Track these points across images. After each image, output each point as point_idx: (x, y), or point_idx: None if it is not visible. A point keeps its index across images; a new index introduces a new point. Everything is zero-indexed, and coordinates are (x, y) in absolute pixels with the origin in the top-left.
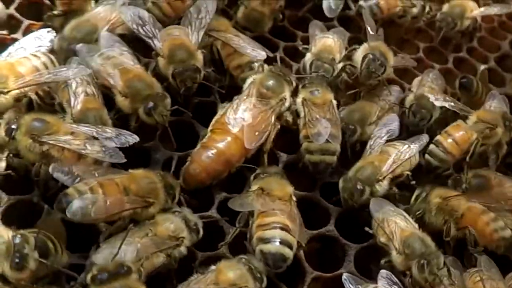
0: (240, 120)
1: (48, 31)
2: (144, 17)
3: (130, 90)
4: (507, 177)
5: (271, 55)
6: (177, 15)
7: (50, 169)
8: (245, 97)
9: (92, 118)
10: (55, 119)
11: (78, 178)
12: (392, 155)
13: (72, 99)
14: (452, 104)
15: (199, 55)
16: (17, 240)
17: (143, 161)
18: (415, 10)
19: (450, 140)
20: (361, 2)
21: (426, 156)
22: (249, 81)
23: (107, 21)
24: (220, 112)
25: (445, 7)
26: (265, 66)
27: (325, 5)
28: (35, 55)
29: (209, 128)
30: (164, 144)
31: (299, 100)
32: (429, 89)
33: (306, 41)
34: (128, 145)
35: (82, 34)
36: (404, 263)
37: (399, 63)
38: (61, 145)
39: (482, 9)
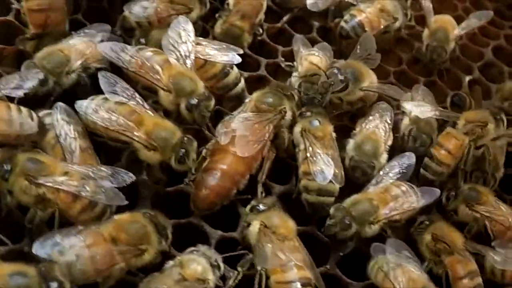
0: (229, 132)
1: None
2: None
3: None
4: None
5: (241, 52)
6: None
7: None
8: (238, 112)
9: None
10: (49, 159)
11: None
12: (394, 199)
13: (68, 157)
14: (437, 113)
15: (200, 80)
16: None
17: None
18: (397, 24)
19: (443, 152)
20: (342, 24)
21: (421, 170)
22: (246, 100)
23: (81, 55)
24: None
25: (427, 34)
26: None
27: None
28: None
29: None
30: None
31: (297, 130)
32: None
33: (287, 56)
34: (125, 184)
35: (52, 65)
36: None
37: (386, 92)
38: (58, 187)
39: (463, 25)
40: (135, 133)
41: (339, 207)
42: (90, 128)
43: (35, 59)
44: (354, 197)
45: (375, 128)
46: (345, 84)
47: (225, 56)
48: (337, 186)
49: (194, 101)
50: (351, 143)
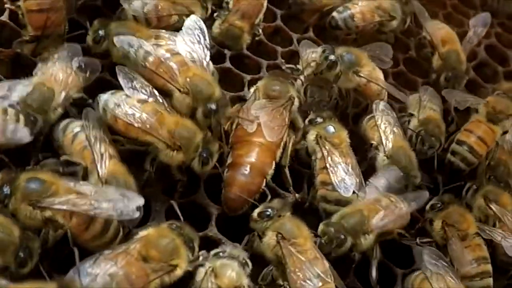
0: (255, 120)
1: None
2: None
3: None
4: None
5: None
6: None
7: None
8: (252, 100)
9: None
10: (51, 176)
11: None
12: (384, 208)
13: (98, 161)
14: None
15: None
16: None
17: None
18: (394, 23)
19: (473, 139)
20: (334, 14)
21: (449, 156)
22: (252, 90)
23: (64, 85)
24: (232, 127)
25: (438, 62)
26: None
27: None
28: None
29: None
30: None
31: (312, 137)
32: (432, 111)
33: (287, 57)
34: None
35: (37, 103)
36: None
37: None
38: (66, 208)
39: (469, 38)
40: (160, 132)
41: (329, 223)
42: (109, 125)
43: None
44: (342, 211)
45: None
46: (334, 62)
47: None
48: (355, 195)
49: (213, 106)
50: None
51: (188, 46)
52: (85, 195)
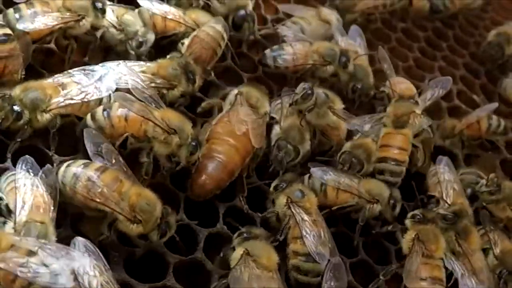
0: (244, 124)
1: None
2: None
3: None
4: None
5: None
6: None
7: None
8: (240, 105)
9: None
10: None
11: None
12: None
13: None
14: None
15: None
16: None
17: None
18: (329, 69)
19: (392, 150)
20: (266, 51)
21: (377, 176)
22: (233, 92)
23: None
24: (213, 122)
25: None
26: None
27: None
28: None
29: (205, 137)
30: None
31: (282, 203)
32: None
33: None
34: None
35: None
36: None
37: None
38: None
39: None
40: (121, 205)
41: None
42: (65, 198)
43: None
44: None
45: None
46: (310, 93)
47: None
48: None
49: (195, 142)
50: None
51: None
52: (24, 251)
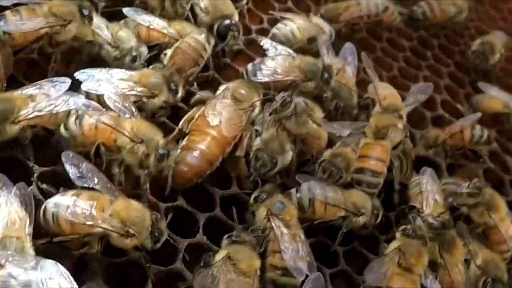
0: (218, 115)
1: None
2: None
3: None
4: None
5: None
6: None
7: None
8: (221, 98)
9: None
10: None
11: None
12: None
13: None
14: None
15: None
16: None
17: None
18: (310, 85)
19: (370, 162)
20: (248, 65)
21: (356, 187)
22: (222, 87)
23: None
24: (192, 114)
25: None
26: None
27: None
28: None
29: (186, 130)
30: None
31: (262, 215)
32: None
33: None
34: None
35: None
36: None
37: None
38: None
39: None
40: (112, 223)
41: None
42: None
43: None
44: None
45: None
46: (289, 101)
47: None
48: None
49: (165, 151)
50: None
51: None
52: None
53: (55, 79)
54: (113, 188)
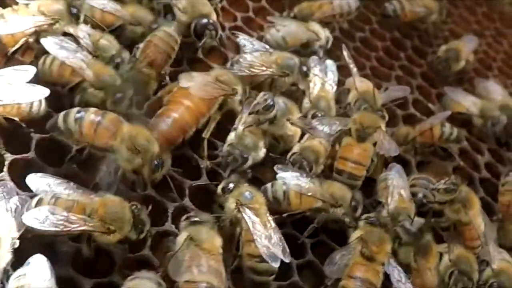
0: (192, 80)
1: None
2: None
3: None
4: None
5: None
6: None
7: None
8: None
9: None
10: None
11: None
12: None
13: None
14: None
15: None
16: None
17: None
18: (287, 80)
19: (350, 165)
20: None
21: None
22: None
23: None
24: (172, 87)
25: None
26: None
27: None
28: None
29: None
30: None
31: (232, 206)
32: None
33: None
34: None
35: None
36: None
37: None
38: None
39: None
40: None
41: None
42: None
43: None
44: None
45: None
46: (272, 105)
47: None
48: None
49: (159, 161)
50: None
51: None
52: None
53: (19, 67)
54: (84, 189)
